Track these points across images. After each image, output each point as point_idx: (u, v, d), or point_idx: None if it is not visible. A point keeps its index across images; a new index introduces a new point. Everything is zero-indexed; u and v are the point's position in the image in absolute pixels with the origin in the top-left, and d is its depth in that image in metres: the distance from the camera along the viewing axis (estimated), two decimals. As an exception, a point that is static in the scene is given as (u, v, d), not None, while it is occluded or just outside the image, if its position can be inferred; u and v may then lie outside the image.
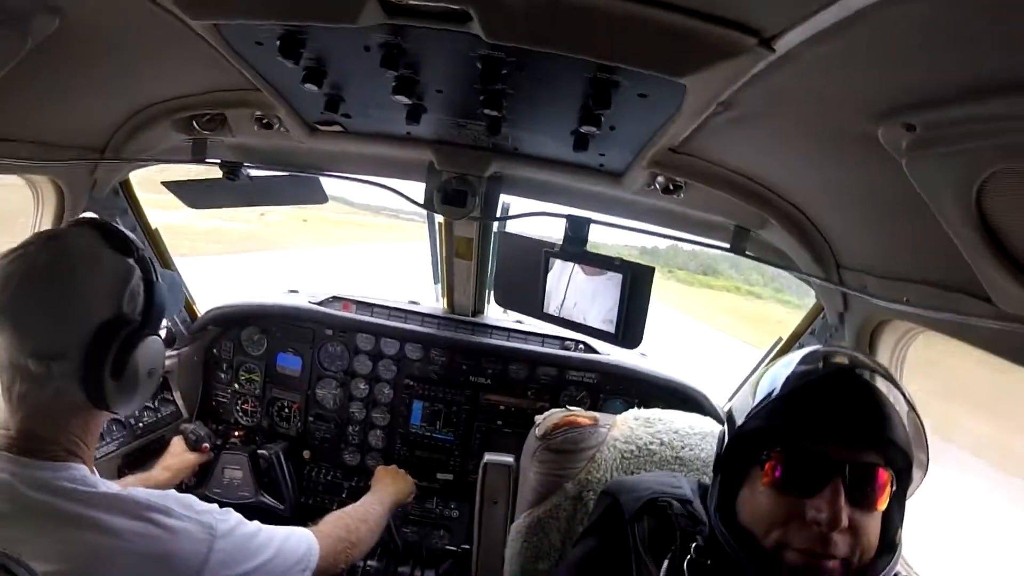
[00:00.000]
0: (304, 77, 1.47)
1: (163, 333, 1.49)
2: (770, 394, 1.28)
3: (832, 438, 1.20)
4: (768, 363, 2.60)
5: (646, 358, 3.16)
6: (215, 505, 1.46)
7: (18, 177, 2.03)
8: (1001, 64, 0.83)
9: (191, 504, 1.41)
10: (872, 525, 1.21)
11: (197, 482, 2.91)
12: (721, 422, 2.23)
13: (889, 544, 1.25)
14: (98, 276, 1.33)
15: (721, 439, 1.42)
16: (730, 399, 2.92)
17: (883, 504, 1.22)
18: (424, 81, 1.48)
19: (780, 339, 2.62)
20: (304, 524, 2.84)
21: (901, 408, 1.24)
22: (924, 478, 1.30)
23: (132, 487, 1.38)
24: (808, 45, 0.96)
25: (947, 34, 0.83)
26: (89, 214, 2.22)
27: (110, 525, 1.26)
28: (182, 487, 2.81)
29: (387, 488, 2.55)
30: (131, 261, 1.39)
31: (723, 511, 1.35)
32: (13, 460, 1.27)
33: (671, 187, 1.90)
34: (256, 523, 1.56)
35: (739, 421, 1.33)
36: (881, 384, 1.24)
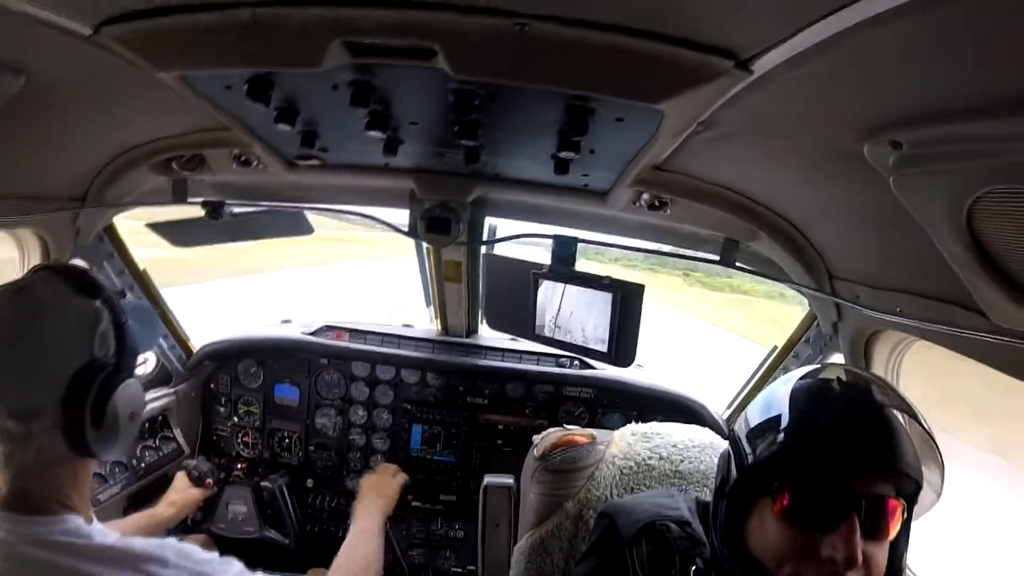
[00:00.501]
0: (276, 117, 1.46)
1: (147, 369, 1.46)
2: (779, 418, 1.25)
3: (849, 472, 1.16)
4: (765, 374, 2.63)
5: (643, 370, 3.15)
6: (216, 554, 1.44)
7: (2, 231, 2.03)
8: (987, 84, 0.82)
9: (190, 554, 1.39)
10: (882, 555, 1.19)
11: (203, 517, 2.90)
12: (720, 433, 2.25)
13: (896, 570, 1.24)
14: (66, 324, 1.30)
15: (726, 462, 1.37)
16: (729, 407, 2.92)
17: (894, 533, 1.20)
18: (397, 115, 1.47)
19: (775, 347, 2.61)
20: (310, 556, 2.84)
21: (914, 432, 1.20)
22: (937, 502, 1.27)
23: (130, 536, 1.37)
24: (787, 66, 0.95)
25: (930, 53, 0.82)
26: (78, 261, 2.22)
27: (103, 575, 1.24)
28: (188, 523, 2.82)
29: (374, 503, 2.53)
30: (98, 303, 1.36)
31: (730, 538, 1.33)
32: (6, 517, 1.26)
33: (657, 203, 1.90)
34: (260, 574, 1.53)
35: (745, 444, 1.30)
36: (891, 406, 1.20)
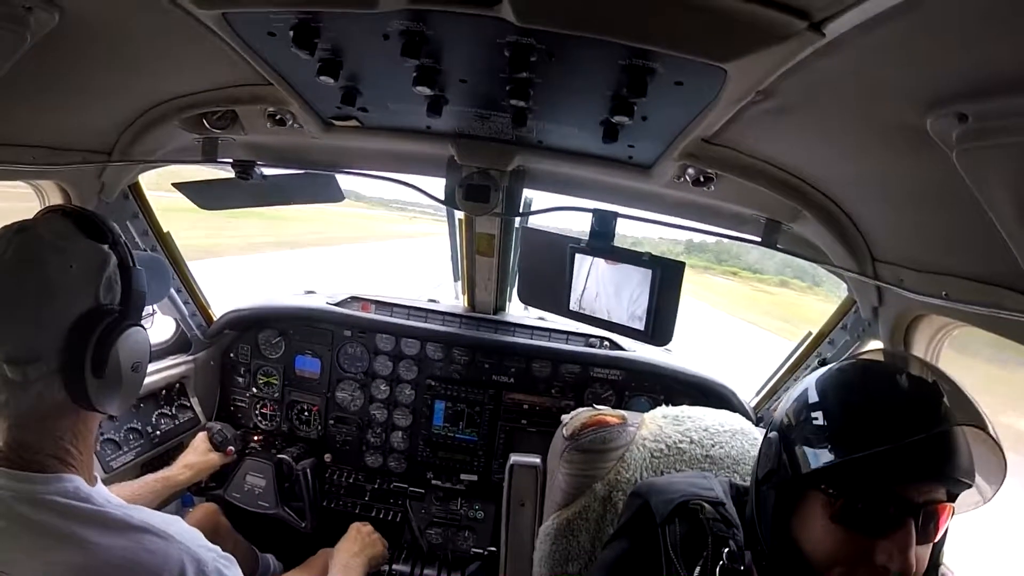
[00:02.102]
0: (319, 69, 1.40)
1: (149, 323, 1.40)
2: (839, 424, 1.19)
3: (909, 480, 1.12)
4: (798, 361, 2.57)
5: (671, 353, 3.11)
6: (218, 548, 1.38)
7: (24, 183, 1.99)
8: None
9: (195, 537, 1.33)
10: (926, 554, 1.16)
11: (215, 483, 2.87)
12: (750, 419, 2.20)
13: (934, 564, 1.21)
14: (70, 266, 1.23)
15: (774, 452, 1.30)
16: (758, 394, 2.86)
17: (941, 534, 1.17)
18: (447, 71, 1.41)
19: (809, 333, 2.55)
20: (323, 533, 2.80)
21: (976, 440, 1.14)
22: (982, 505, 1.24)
23: (136, 505, 1.31)
24: (859, 31, 0.90)
25: (1005, 20, 0.78)
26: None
27: (98, 543, 1.18)
28: (199, 487, 2.79)
29: (356, 559, 2.50)
30: (106, 247, 1.29)
31: (775, 527, 1.29)
32: (3, 474, 1.20)
33: (702, 179, 1.84)
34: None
35: (799, 442, 1.24)
36: (963, 422, 1.14)
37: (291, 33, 1.25)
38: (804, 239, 2.04)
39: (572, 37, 1.11)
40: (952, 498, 1.16)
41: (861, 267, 1.82)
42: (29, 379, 1.19)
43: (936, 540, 1.17)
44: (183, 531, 1.31)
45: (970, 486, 1.15)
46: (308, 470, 2.98)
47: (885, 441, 1.08)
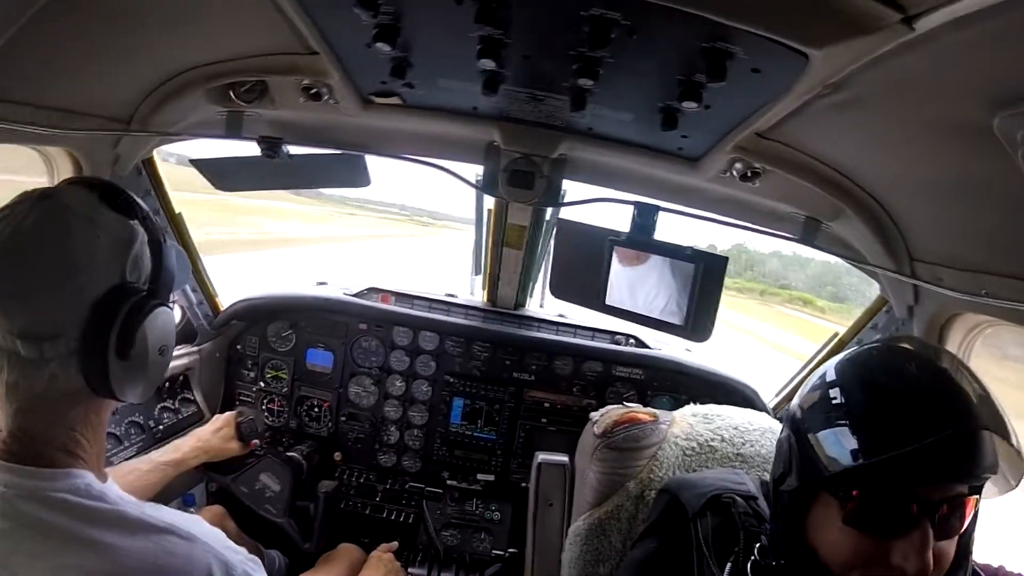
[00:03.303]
0: (376, 35, 1.34)
1: (177, 314, 1.29)
2: (850, 422, 1.12)
3: (928, 481, 1.07)
4: (823, 362, 2.54)
5: (693, 353, 3.08)
6: (244, 549, 1.30)
7: (32, 149, 1.87)
8: None
9: (220, 538, 1.24)
10: (951, 548, 1.12)
11: (223, 469, 2.71)
12: (773, 418, 2.17)
13: (964, 554, 1.17)
14: (97, 240, 1.13)
15: (787, 453, 1.25)
16: (778, 395, 2.85)
17: (964, 527, 1.12)
18: (514, 45, 1.36)
19: (836, 335, 2.53)
20: (329, 547, 2.69)
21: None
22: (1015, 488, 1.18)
23: (155, 504, 1.22)
24: (950, 27, 0.90)
25: None
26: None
27: (115, 546, 1.09)
28: (205, 466, 2.65)
29: None
30: (135, 223, 1.20)
31: (788, 528, 1.25)
32: (6, 469, 1.10)
33: (749, 174, 1.83)
34: None
35: (813, 442, 1.17)
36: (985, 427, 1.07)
37: None
38: (840, 238, 2.03)
39: (658, 12, 1.08)
40: (975, 491, 1.11)
41: (899, 266, 1.82)
42: (45, 357, 1.09)
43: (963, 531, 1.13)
44: (207, 532, 1.23)
45: (990, 475, 1.10)
46: (329, 492, 2.83)
47: (904, 443, 1.02)
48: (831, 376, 1.21)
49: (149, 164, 2.32)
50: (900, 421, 1.06)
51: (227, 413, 2.66)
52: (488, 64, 1.40)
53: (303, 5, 1.34)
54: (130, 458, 2.36)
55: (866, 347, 1.25)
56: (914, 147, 1.41)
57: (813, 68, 1.15)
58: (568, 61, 1.38)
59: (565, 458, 2.20)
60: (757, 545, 1.34)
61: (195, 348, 2.91)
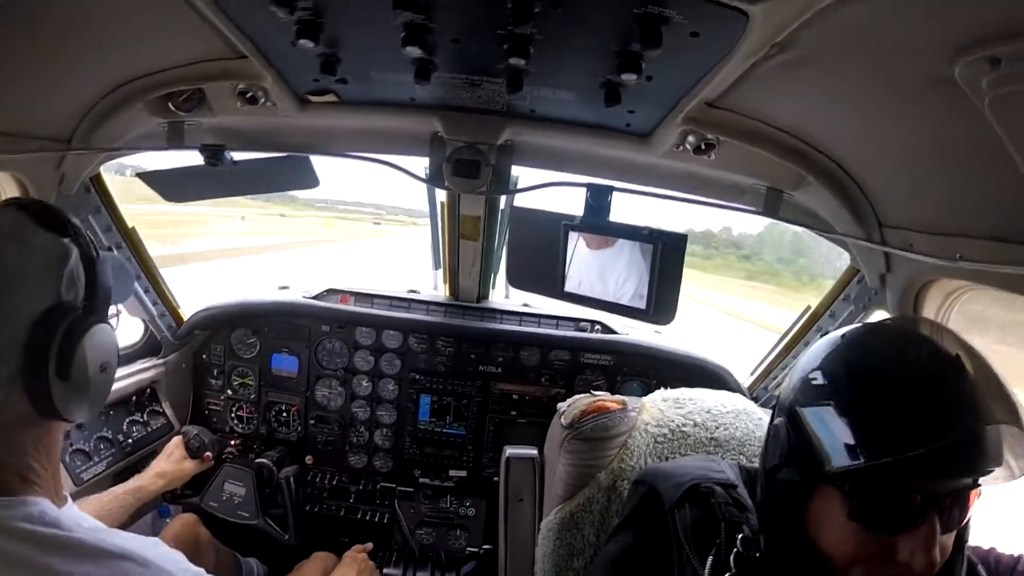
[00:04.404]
0: (298, 32, 1.31)
1: (114, 323, 1.29)
2: (856, 420, 1.08)
3: (935, 476, 1.03)
4: (796, 337, 2.51)
5: (661, 336, 3.05)
6: (203, 570, 1.25)
7: None
8: None
9: (178, 561, 1.20)
10: (951, 541, 1.10)
11: (190, 491, 2.75)
12: (749, 398, 2.13)
13: (959, 544, 1.14)
14: (28, 260, 1.10)
15: (782, 441, 1.20)
16: (753, 373, 2.81)
17: (967, 518, 1.09)
18: (439, 29, 1.32)
19: (808, 308, 2.49)
20: (307, 541, 2.67)
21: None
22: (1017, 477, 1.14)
23: (110, 529, 1.18)
24: None
25: None
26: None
27: (68, 572, 1.05)
28: (173, 494, 2.68)
29: None
30: (67, 240, 1.16)
31: (785, 521, 1.21)
32: None
33: (703, 146, 1.78)
34: None
35: (813, 438, 1.12)
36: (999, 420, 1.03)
37: None
38: (806, 208, 1.99)
39: None
40: (978, 484, 1.07)
41: (868, 233, 1.77)
42: None
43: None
44: (164, 555, 1.18)
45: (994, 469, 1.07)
46: (291, 478, 2.86)
47: (914, 444, 0.97)
48: (829, 366, 1.17)
49: (97, 181, 2.28)
50: (909, 421, 1.01)
51: (175, 438, 2.64)
52: (415, 52, 1.36)
53: (222, 9, 1.30)
54: (100, 473, 2.38)
55: (864, 331, 1.21)
56: (873, 106, 1.36)
57: (755, 26, 1.11)
58: (497, 41, 1.34)
59: (534, 451, 2.16)
60: (739, 536, 1.30)
61: (160, 360, 2.89)
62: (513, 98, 1.73)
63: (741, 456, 1.85)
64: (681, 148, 1.82)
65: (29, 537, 1.06)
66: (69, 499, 1.21)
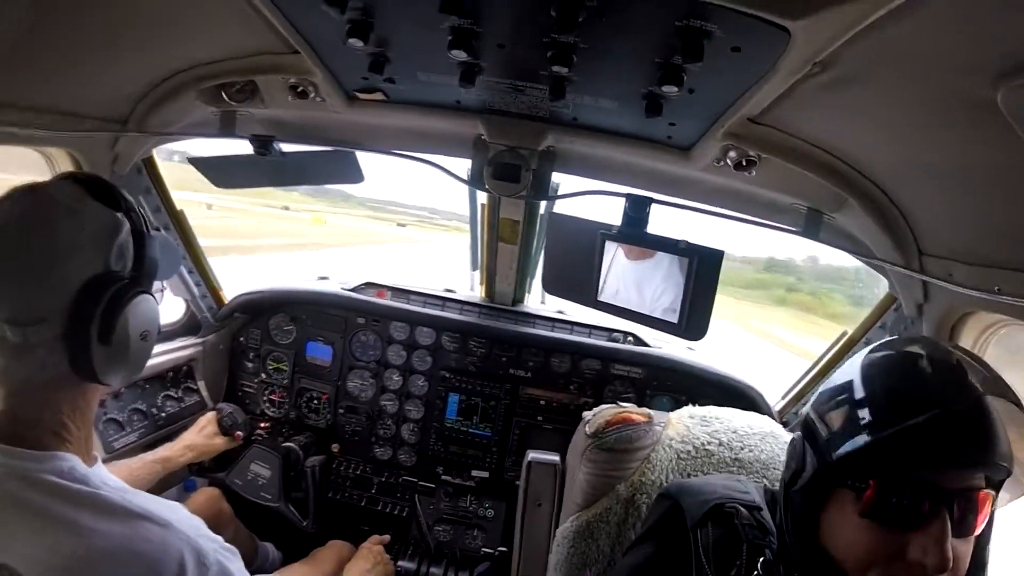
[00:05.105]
0: (349, 31, 1.34)
1: (160, 296, 1.36)
2: (862, 406, 1.11)
3: (940, 465, 1.04)
4: (830, 363, 2.46)
5: (694, 352, 3.02)
6: (220, 539, 1.31)
7: (34, 151, 1.93)
8: None
9: (197, 525, 1.26)
10: (968, 550, 1.07)
11: (216, 465, 2.80)
12: (777, 421, 2.10)
13: (980, 564, 1.13)
14: (81, 229, 1.17)
15: (799, 451, 1.23)
16: (784, 398, 2.76)
17: (982, 527, 1.08)
18: (485, 33, 1.34)
19: (844, 333, 2.44)
20: (327, 528, 2.71)
21: (1012, 420, 1.06)
22: None
23: (136, 491, 1.24)
24: None
25: None
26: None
27: (92, 528, 1.11)
28: (200, 467, 2.73)
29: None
30: (119, 214, 1.24)
31: (803, 533, 1.21)
32: None
33: (744, 162, 1.76)
34: None
35: (823, 433, 1.17)
36: (990, 392, 1.05)
37: None
38: (846, 231, 1.95)
39: None
40: (992, 485, 1.07)
41: (907, 261, 1.73)
42: (30, 342, 1.13)
43: (979, 534, 1.09)
44: (184, 519, 1.24)
45: (1010, 472, 1.06)
46: (317, 467, 2.90)
47: (913, 413, 1.02)
48: (836, 384, 1.20)
49: (149, 163, 2.36)
50: (909, 402, 1.04)
51: (209, 413, 2.70)
52: (460, 55, 1.38)
53: (277, 5, 1.34)
54: (131, 443, 2.45)
55: (868, 355, 1.21)
56: (916, 128, 1.34)
57: (796, 44, 1.10)
58: (541, 48, 1.35)
59: (556, 458, 2.16)
60: (760, 560, 1.30)
61: (199, 340, 2.97)
62: (556, 105, 1.74)
63: (764, 479, 1.82)
64: (722, 163, 1.80)
65: (57, 491, 1.12)
66: (99, 460, 1.27)
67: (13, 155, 1.86)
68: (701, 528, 1.39)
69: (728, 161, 1.78)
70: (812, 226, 1.92)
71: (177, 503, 1.29)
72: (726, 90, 1.43)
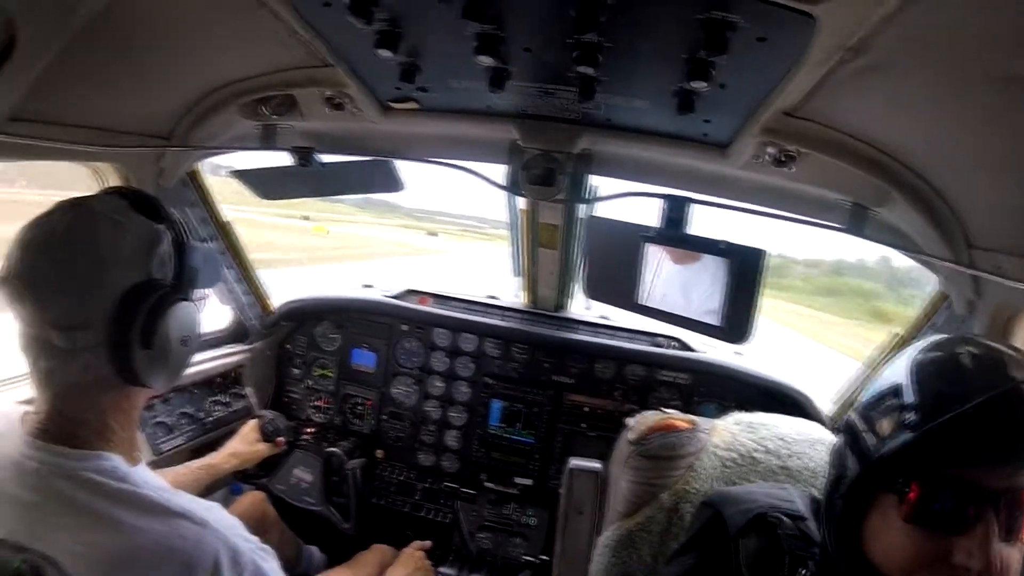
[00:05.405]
0: (377, 41, 1.37)
1: (202, 304, 1.43)
2: (902, 403, 1.06)
3: (985, 461, 0.98)
4: (884, 362, 2.36)
5: (742, 356, 2.94)
6: (257, 539, 1.35)
7: (83, 166, 2.01)
8: None
9: (233, 526, 1.30)
10: (1017, 557, 1.01)
11: (260, 471, 2.85)
12: (828, 427, 2.03)
13: None
14: (123, 240, 1.23)
15: (840, 456, 1.19)
16: (836, 402, 2.68)
17: None
18: (510, 37, 1.34)
19: (896, 334, 2.34)
20: (370, 532, 2.73)
21: None
22: None
23: (177, 491, 1.28)
24: None
25: None
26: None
27: (131, 525, 1.15)
28: (245, 474, 2.78)
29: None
30: (160, 226, 1.30)
31: (845, 539, 1.16)
32: (41, 447, 1.20)
33: (783, 158, 1.72)
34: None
35: (864, 435, 1.12)
36: None
37: (347, 0, 1.21)
38: (893, 226, 1.88)
39: None
40: None
41: (956, 255, 1.66)
42: (76, 347, 1.19)
43: None
44: (221, 519, 1.27)
45: None
46: (358, 470, 2.93)
47: (951, 419, 0.97)
48: (879, 386, 1.15)
49: (194, 175, 2.43)
50: (952, 392, 1.01)
51: (252, 420, 2.75)
52: (487, 61, 1.39)
53: (307, 21, 1.38)
54: (178, 446, 2.53)
55: (912, 353, 1.15)
56: (957, 114, 1.29)
57: (823, 30, 1.08)
58: (566, 50, 1.35)
59: (598, 465, 2.13)
60: (803, 571, 1.26)
61: (247, 347, 3.04)
62: (587, 107, 1.73)
63: (813, 488, 1.75)
64: (761, 160, 1.76)
65: (99, 489, 1.17)
66: (143, 461, 1.32)
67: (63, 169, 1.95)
68: (743, 538, 1.36)
69: (767, 157, 1.74)
70: (857, 222, 1.85)
71: (216, 504, 1.32)
72: (757, 83, 1.40)
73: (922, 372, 1.08)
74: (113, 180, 2.07)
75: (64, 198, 1.27)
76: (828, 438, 1.87)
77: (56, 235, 1.20)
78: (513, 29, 1.31)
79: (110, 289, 1.20)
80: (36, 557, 1.02)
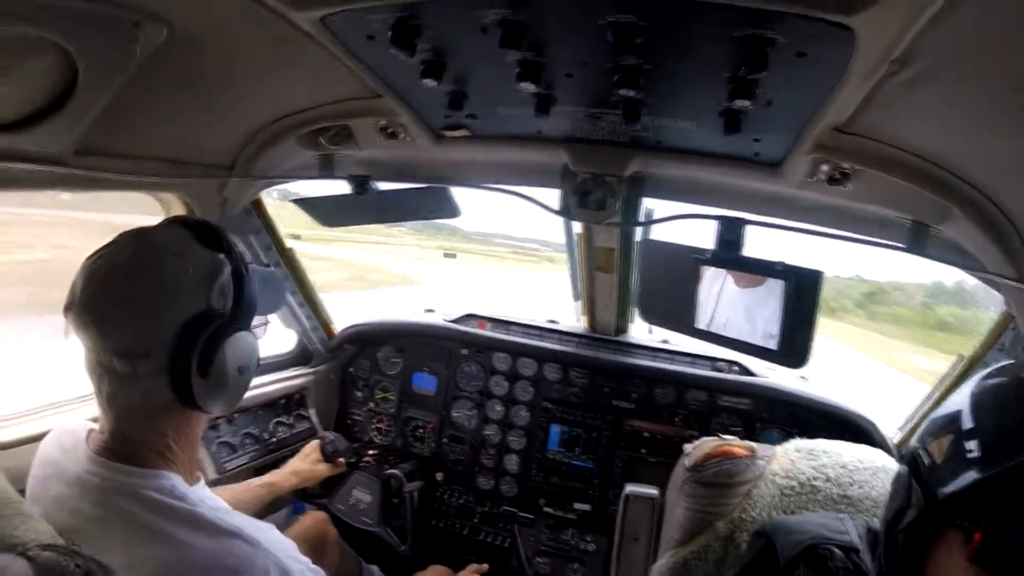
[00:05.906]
0: (422, 72, 1.40)
1: (261, 332, 1.48)
2: (968, 435, 1.01)
3: None
4: (949, 389, 2.26)
5: (806, 381, 2.85)
6: (308, 560, 1.38)
7: (149, 196, 2.12)
8: None
9: (286, 548, 1.34)
10: None
11: (320, 491, 2.90)
12: (893, 456, 1.94)
13: None
14: (185, 270, 1.28)
15: (904, 487, 1.12)
16: (902, 428, 2.57)
17: None
18: (550, 64, 1.36)
19: (961, 357, 2.24)
20: (428, 554, 2.74)
21: None
22: None
23: (234, 512, 1.34)
24: None
25: None
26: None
27: (185, 542, 1.21)
28: (305, 492, 2.84)
29: None
30: (221, 256, 1.35)
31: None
32: (104, 464, 1.26)
33: (837, 175, 1.67)
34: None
35: (928, 468, 1.06)
36: None
37: (390, 34, 1.25)
38: (955, 244, 1.80)
39: (670, 8, 1.05)
40: None
41: (1020, 273, 1.58)
42: (138, 373, 1.25)
43: None
44: (274, 540, 1.32)
45: None
46: (416, 493, 2.96)
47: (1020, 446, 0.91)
48: (946, 413, 1.09)
49: (257, 205, 2.53)
50: (1016, 432, 0.95)
51: (313, 441, 2.80)
52: (529, 87, 1.40)
53: (355, 55, 1.43)
54: (241, 465, 2.60)
55: (981, 380, 1.10)
56: (1016, 124, 1.22)
57: (863, 41, 1.04)
58: (607, 73, 1.35)
59: (655, 491, 2.10)
60: None
61: (311, 369, 3.12)
62: (635, 129, 1.73)
63: (875, 518, 1.68)
64: (815, 178, 1.72)
65: (158, 506, 1.23)
66: (202, 481, 1.38)
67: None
68: (793, 570, 1.32)
69: (821, 175, 1.70)
70: (918, 241, 1.78)
71: (270, 525, 1.37)
72: (803, 99, 1.37)
73: (983, 402, 1.03)
74: (177, 209, 2.17)
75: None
76: (891, 466, 1.78)
77: (118, 267, 1.26)
78: (552, 55, 1.32)
79: (170, 320, 1.25)
80: (91, 564, 1.07)
